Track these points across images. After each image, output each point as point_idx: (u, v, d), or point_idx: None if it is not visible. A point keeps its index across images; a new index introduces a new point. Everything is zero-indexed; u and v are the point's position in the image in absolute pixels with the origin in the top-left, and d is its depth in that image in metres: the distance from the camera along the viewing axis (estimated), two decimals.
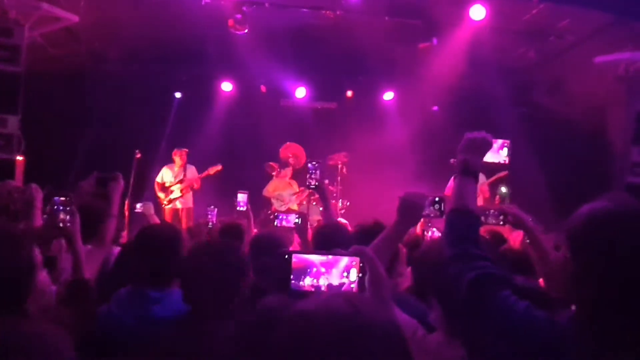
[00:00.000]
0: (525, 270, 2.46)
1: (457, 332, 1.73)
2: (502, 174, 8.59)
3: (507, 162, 2.03)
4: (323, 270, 1.54)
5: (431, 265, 1.87)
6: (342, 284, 1.53)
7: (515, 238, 3.16)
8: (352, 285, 1.54)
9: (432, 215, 2.25)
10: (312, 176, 3.27)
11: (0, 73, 6.36)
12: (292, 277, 1.53)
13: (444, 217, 2.32)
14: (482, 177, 9.03)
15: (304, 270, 1.54)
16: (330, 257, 1.56)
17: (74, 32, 8.27)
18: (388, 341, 0.99)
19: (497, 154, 2.03)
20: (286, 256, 1.55)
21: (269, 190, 9.14)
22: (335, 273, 1.54)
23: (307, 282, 1.53)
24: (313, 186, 3.32)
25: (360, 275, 1.54)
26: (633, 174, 7.76)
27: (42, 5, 6.73)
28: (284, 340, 1.01)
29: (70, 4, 7.30)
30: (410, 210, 2.17)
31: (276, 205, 9.00)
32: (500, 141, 2.02)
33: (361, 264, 1.54)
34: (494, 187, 8.82)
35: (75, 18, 7.28)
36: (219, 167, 8.91)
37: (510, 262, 2.77)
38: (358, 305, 1.01)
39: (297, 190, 8.94)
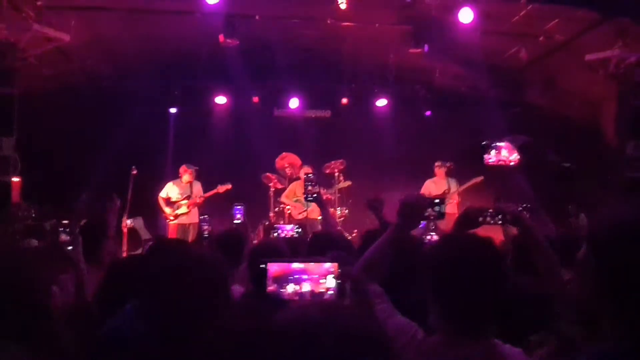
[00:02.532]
0: (526, 267, 2.46)
1: (456, 332, 1.74)
2: (478, 179, 8.62)
3: (516, 162, 1.97)
4: (305, 277, 1.56)
5: (428, 268, 1.87)
6: (322, 291, 1.54)
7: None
8: (331, 292, 1.55)
9: (432, 217, 2.25)
10: (309, 188, 3.27)
11: None
12: (274, 285, 1.54)
13: (444, 218, 2.34)
14: (453, 184, 9.09)
15: (286, 278, 1.56)
16: (308, 264, 1.58)
17: (66, 52, 8.29)
18: (364, 347, 0.98)
19: (514, 152, 1.96)
20: (262, 266, 1.56)
21: (288, 195, 8.99)
22: (314, 279, 1.56)
23: (290, 289, 1.55)
24: (311, 198, 3.32)
25: (339, 281, 1.55)
26: (631, 168, 7.78)
27: (33, 26, 6.76)
28: (262, 352, 1.02)
29: (61, 24, 7.33)
30: (411, 212, 2.17)
31: (294, 212, 8.83)
32: (521, 138, 1.98)
33: (339, 270, 1.55)
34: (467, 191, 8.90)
35: (66, 38, 7.30)
36: (228, 186, 8.84)
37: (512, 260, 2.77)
38: (330, 313, 1.01)
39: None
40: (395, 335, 1.81)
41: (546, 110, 9.62)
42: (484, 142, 1.88)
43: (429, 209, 2.22)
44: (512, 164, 1.88)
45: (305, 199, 3.37)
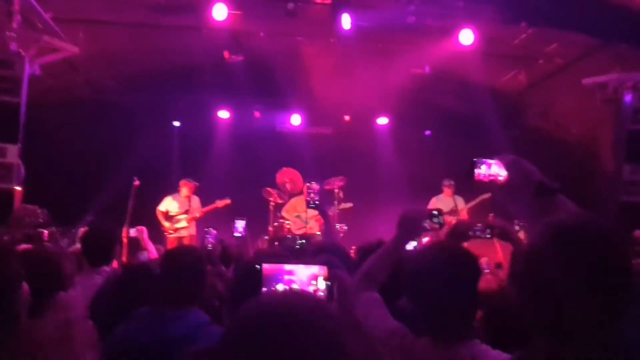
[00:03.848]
0: None
1: (441, 336, 1.82)
2: (485, 196, 8.65)
3: (505, 178, 2.01)
4: (295, 278, 1.62)
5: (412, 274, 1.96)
6: (312, 291, 1.60)
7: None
8: (321, 293, 1.62)
9: (431, 229, 2.32)
10: (312, 195, 3.33)
11: (0, 104, 6.46)
12: (264, 284, 1.61)
13: (442, 229, 2.42)
14: (460, 202, 9.15)
15: (276, 278, 1.62)
16: (299, 265, 1.64)
17: (72, 63, 8.42)
18: (314, 344, 0.97)
19: (502, 168, 2.00)
20: (257, 266, 1.63)
21: (289, 210, 9.03)
22: (303, 280, 1.62)
23: (280, 288, 1.61)
24: (313, 205, 3.38)
25: (328, 283, 1.62)
26: (626, 192, 7.84)
27: (42, 37, 6.88)
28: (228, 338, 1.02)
29: (68, 36, 7.46)
30: (409, 225, 2.26)
31: (293, 228, 8.81)
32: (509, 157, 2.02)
33: (329, 273, 1.62)
34: (475, 209, 8.90)
35: (75, 49, 7.43)
36: (228, 201, 8.89)
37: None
38: (290, 304, 1.02)
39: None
40: (388, 338, 1.89)
41: (544, 133, 9.72)
42: (474, 159, 1.96)
43: (428, 221, 2.29)
44: (500, 178, 1.95)
45: (308, 205, 3.45)
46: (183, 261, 2.45)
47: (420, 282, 1.85)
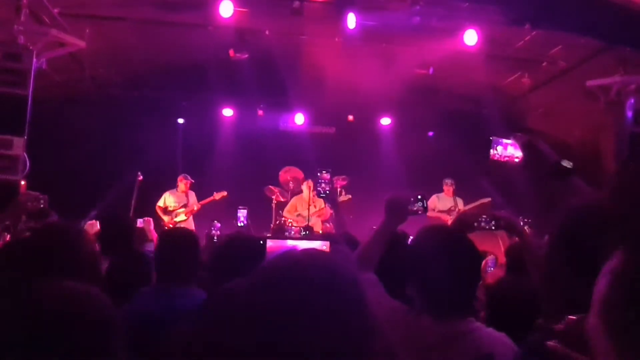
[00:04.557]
0: (520, 270, 2.56)
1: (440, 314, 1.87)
2: (485, 200, 8.60)
3: (520, 159, 2.03)
4: None
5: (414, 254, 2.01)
6: None
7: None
8: None
9: (419, 212, 2.37)
10: (323, 185, 3.31)
11: (8, 96, 6.50)
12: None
13: (427, 212, 2.47)
14: (460, 203, 9.15)
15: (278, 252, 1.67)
16: (301, 241, 1.70)
17: (78, 59, 8.47)
18: (339, 295, 1.02)
19: (517, 149, 2.01)
20: (261, 242, 1.67)
21: (290, 210, 9.13)
22: None
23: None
24: (323, 194, 3.37)
25: None
26: None
27: (50, 31, 6.93)
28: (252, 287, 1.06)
29: (75, 31, 7.50)
30: (396, 209, 2.33)
31: (295, 225, 8.86)
32: (523, 137, 2.03)
33: (331, 248, 1.66)
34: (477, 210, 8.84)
35: (82, 44, 7.47)
36: (224, 193, 9.01)
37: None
38: (316, 258, 1.07)
39: (319, 208, 8.79)
40: (389, 315, 1.94)
41: (547, 136, 9.74)
42: (491, 137, 2.00)
43: (416, 205, 2.34)
44: (516, 160, 1.98)
45: (318, 195, 3.46)
46: (182, 241, 2.54)
47: (422, 261, 1.90)
